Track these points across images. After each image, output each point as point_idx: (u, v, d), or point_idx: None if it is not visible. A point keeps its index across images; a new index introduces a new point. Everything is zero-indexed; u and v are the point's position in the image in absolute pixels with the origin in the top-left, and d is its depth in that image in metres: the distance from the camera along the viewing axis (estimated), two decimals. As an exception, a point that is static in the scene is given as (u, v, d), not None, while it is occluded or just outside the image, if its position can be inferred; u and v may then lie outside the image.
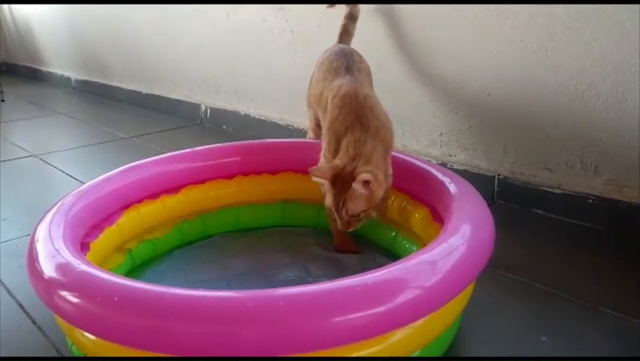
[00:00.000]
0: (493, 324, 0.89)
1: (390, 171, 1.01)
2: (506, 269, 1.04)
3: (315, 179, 0.93)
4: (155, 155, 1.16)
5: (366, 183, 0.89)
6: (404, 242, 1.06)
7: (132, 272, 1.04)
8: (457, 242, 0.75)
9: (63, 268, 0.69)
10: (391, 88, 1.51)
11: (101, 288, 0.64)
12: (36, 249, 0.73)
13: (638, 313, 0.89)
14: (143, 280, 1.00)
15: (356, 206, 0.93)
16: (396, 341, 0.69)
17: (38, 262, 0.70)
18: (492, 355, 0.82)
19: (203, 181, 1.16)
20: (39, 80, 3.61)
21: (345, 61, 1.12)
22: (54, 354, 0.83)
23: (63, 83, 3.35)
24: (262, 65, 1.95)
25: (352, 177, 0.90)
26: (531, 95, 1.26)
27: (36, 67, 3.68)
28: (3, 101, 2.92)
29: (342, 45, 1.25)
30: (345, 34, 1.39)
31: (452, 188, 0.92)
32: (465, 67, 1.37)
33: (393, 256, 1.06)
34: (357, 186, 0.89)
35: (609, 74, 1.14)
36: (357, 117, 0.97)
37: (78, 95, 3.10)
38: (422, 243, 0.96)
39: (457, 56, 1.37)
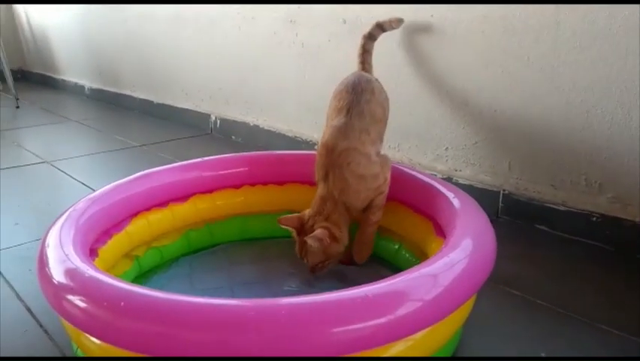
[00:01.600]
0: (493, 338, 0.89)
1: (383, 198, 1.04)
2: (508, 284, 1.05)
3: (283, 227, 1.02)
4: (165, 163, 1.18)
5: (319, 239, 0.95)
6: (407, 255, 1.07)
7: (139, 278, 1.06)
8: (459, 256, 0.76)
9: (72, 273, 0.71)
10: (400, 103, 1.52)
11: (108, 293, 0.66)
12: (46, 254, 0.75)
13: (637, 332, 0.89)
14: (149, 287, 1.03)
15: (313, 258, 1.00)
16: (395, 352, 0.70)
17: (48, 267, 0.72)
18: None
19: (211, 191, 1.18)
20: (53, 87, 3.68)
21: (352, 99, 1.04)
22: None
23: (77, 91, 3.41)
24: (272, 77, 1.98)
25: (312, 231, 0.98)
26: (537, 112, 1.28)
27: (51, 75, 3.75)
28: (18, 107, 2.97)
29: (361, 74, 1.12)
30: (365, 53, 1.33)
31: (455, 202, 0.94)
32: (471, 83, 1.38)
33: (396, 269, 1.07)
34: (309, 240, 0.95)
35: (614, 92, 1.15)
36: (326, 173, 1.01)
37: (91, 103, 3.15)
38: (425, 256, 0.97)
39: (464, 72, 1.39)
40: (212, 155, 1.24)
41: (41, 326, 0.93)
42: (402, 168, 1.14)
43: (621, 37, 1.12)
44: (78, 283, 0.69)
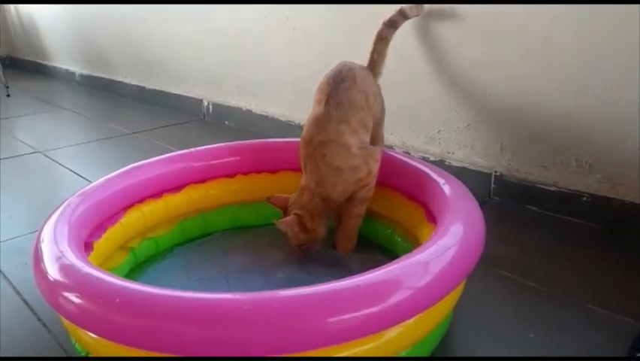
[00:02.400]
0: (483, 320, 0.91)
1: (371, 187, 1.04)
2: (499, 266, 1.06)
3: (270, 204, 1.08)
4: (158, 151, 1.19)
5: (287, 225, 1.01)
6: (399, 239, 1.08)
7: (134, 270, 1.07)
8: (449, 243, 0.77)
9: (67, 270, 0.71)
10: (393, 86, 1.52)
11: (103, 290, 0.67)
12: (41, 250, 0.76)
13: (625, 311, 0.91)
14: (145, 278, 1.04)
15: (290, 240, 1.04)
16: (388, 338, 0.72)
17: (43, 264, 0.73)
18: (479, 350, 0.84)
19: (204, 180, 1.18)
20: (43, 74, 3.64)
21: (331, 89, 1.02)
22: (58, 351, 0.86)
23: (68, 77, 3.37)
24: (264, 61, 1.97)
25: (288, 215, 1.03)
26: (528, 94, 1.28)
27: (40, 61, 3.71)
28: (8, 96, 2.95)
29: (344, 64, 1.08)
30: (380, 41, 1.26)
31: (446, 189, 0.94)
32: (464, 67, 1.38)
33: (391, 253, 1.09)
34: (278, 225, 1.01)
35: (604, 74, 1.15)
36: (305, 165, 1.03)
37: (82, 89, 3.13)
38: (417, 242, 0.99)
39: (457, 56, 1.38)
40: (205, 141, 1.24)
41: (39, 319, 0.94)
42: (394, 154, 1.14)
43: (610, 18, 1.11)
44: (73, 280, 0.70)
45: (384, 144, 1.22)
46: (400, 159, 1.11)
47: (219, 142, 1.25)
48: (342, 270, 1.03)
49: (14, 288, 1.04)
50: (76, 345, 0.80)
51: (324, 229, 1.04)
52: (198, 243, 1.19)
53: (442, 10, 1.38)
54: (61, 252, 0.75)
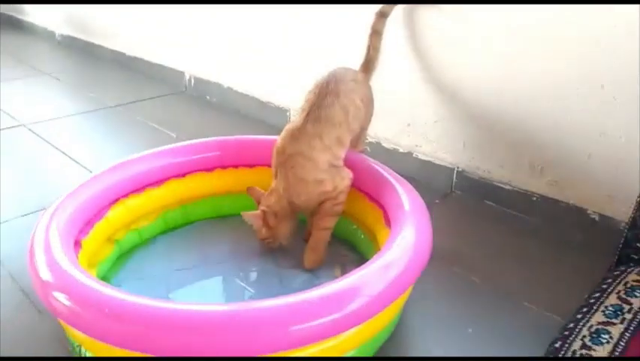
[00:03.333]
0: (429, 315, 1.04)
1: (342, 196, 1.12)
2: (450, 262, 1.19)
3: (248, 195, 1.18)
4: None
5: (250, 216, 1.12)
6: (363, 237, 1.20)
7: (119, 259, 1.17)
8: (397, 256, 0.88)
9: (61, 277, 0.82)
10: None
11: (95, 299, 0.77)
12: (36, 258, 0.86)
13: (556, 309, 1.04)
14: (130, 266, 1.15)
15: (257, 233, 1.15)
16: (342, 340, 0.84)
17: (39, 274, 0.83)
18: (421, 346, 0.97)
19: (184, 175, 1.27)
20: (20, 29, 3.57)
21: (314, 102, 1.10)
22: (56, 340, 0.96)
23: (47, 36, 3.32)
24: (246, 40, 2.00)
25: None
26: (490, 98, 1.37)
27: (17, 15, 3.63)
28: (-13, 56, 2.92)
29: (336, 73, 1.14)
30: (375, 35, 1.32)
31: (403, 197, 1.05)
32: (434, 66, 1.45)
33: (354, 246, 1.22)
34: (243, 216, 1.12)
35: (553, 87, 1.24)
36: (275, 171, 1.12)
37: (63, 50, 3.10)
38: (376, 242, 1.10)
39: (429, 55, 1.45)
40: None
41: (35, 306, 1.04)
42: (365, 159, 1.23)
43: (567, 34, 1.19)
44: (68, 287, 0.80)
45: (363, 147, 1.31)
46: (368, 165, 1.20)
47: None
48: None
49: (11, 276, 1.13)
50: (70, 336, 0.90)
51: (286, 230, 1.14)
52: (180, 231, 1.29)
53: (419, 10, 1.44)
54: (56, 260, 0.85)
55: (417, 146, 1.57)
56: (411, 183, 1.12)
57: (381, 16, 1.34)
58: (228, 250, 1.23)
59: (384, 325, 0.91)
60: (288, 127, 1.12)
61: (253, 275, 1.15)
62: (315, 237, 1.14)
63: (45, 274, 0.83)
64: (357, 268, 0.85)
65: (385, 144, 1.62)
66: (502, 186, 1.40)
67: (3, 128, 1.93)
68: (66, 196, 1.04)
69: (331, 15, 1.66)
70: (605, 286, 0.99)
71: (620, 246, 0.99)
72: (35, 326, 1.01)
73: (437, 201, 1.44)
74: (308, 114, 1.09)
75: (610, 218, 1.22)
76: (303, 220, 1.22)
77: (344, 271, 1.11)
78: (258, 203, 1.16)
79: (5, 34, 3.45)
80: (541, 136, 1.30)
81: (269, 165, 1.28)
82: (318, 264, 1.14)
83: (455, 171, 1.49)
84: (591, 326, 0.86)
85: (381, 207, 1.11)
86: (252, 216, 1.12)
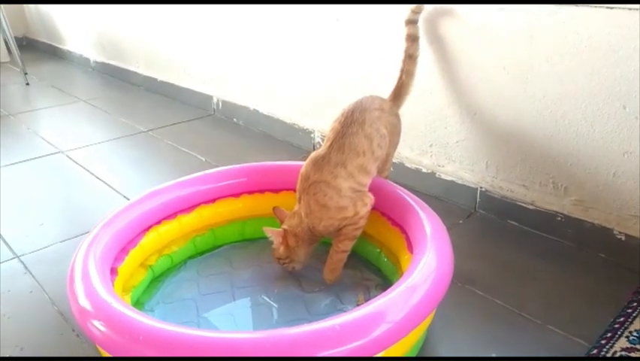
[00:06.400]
0: (453, 339, 1.05)
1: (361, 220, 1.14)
2: (473, 283, 1.20)
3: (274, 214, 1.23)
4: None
5: (272, 234, 1.17)
6: (386, 260, 1.22)
7: (153, 283, 1.22)
8: (419, 281, 0.90)
9: (99, 307, 0.87)
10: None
11: (130, 327, 0.82)
12: (75, 288, 0.91)
13: (581, 333, 1.04)
14: (162, 291, 1.20)
15: (274, 253, 1.20)
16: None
17: (78, 302, 0.88)
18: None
19: (213, 200, 1.32)
20: (59, 57, 3.74)
21: (338, 131, 1.12)
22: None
23: (82, 62, 3.48)
24: (272, 63, 2.06)
25: None
26: (512, 118, 1.38)
27: (56, 45, 3.80)
28: (28, 84, 3.07)
29: (362, 102, 1.17)
30: (409, 60, 1.35)
31: (425, 223, 1.07)
32: (454, 87, 1.47)
33: (378, 269, 1.24)
34: (266, 232, 1.18)
35: (579, 106, 1.24)
36: (299, 196, 1.16)
37: (97, 76, 3.23)
38: (399, 265, 1.12)
39: (448, 77, 1.48)
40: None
41: (74, 330, 1.10)
42: (388, 184, 1.25)
43: (588, 56, 1.20)
44: (105, 316, 0.85)
45: (388, 174, 1.33)
46: (392, 189, 1.23)
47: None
48: (331, 289, 1.18)
49: (50, 299, 1.20)
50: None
51: (303, 254, 1.18)
52: (208, 256, 1.33)
53: (438, 30, 1.46)
54: (95, 289, 0.90)
55: (440, 166, 1.59)
56: (434, 203, 1.14)
57: (413, 40, 1.35)
58: (253, 273, 1.27)
59: (406, 350, 0.93)
60: (313, 155, 1.15)
61: (278, 299, 1.19)
62: (334, 258, 1.17)
63: (84, 303, 0.88)
64: (379, 296, 0.88)
65: (408, 164, 1.64)
66: (525, 205, 1.40)
67: (43, 156, 2.03)
68: (102, 225, 1.10)
69: (359, 41, 1.70)
70: (629, 311, 0.99)
71: (645, 268, 0.99)
72: (72, 348, 1.06)
73: (461, 221, 1.45)
74: (332, 143, 1.12)
75: (636, 238, 1.21)
76: (324, 242, 1.24)
77: (367, 297, 1.14)
78: (282, 223, 1.20)
79: (44, 62, 3.62)
80: (565, 155, 1.30)
81: (293, 190, 1.33)
82: (337, 280, 1.19)
83: (478, 191, 1.50)
84: (615, 353, 0.86)
85: (404, 232, 1.14)
86: (273, 232, 1.18)
